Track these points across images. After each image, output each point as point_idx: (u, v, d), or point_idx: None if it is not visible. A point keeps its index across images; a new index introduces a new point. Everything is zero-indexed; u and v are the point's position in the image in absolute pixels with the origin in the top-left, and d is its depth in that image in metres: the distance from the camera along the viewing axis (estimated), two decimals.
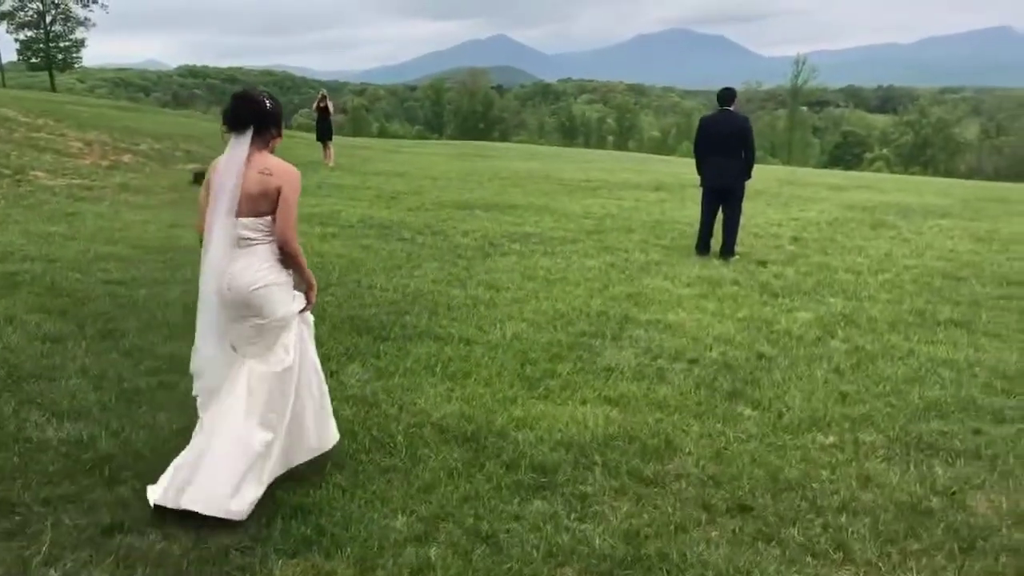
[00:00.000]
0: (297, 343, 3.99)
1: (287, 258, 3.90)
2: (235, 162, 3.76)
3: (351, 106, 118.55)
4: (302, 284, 4.06)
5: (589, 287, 8.28)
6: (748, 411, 5.18)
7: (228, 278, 3.80)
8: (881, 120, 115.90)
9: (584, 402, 5.23)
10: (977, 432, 4.90)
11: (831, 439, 4.78)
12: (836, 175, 27.08)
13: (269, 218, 3.83)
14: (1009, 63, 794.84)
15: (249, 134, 3.78)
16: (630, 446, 4.58)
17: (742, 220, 10.43)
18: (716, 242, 10.22)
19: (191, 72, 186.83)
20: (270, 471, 3.84)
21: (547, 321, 6.99)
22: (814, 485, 4.20)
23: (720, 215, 10.13)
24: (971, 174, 70.51)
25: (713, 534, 3.74)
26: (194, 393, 4.00)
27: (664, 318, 7.20)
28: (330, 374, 5.53)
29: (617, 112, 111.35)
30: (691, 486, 4.17)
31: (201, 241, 3.89)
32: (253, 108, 3.80)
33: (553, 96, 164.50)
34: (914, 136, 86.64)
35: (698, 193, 10.61)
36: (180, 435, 4.52)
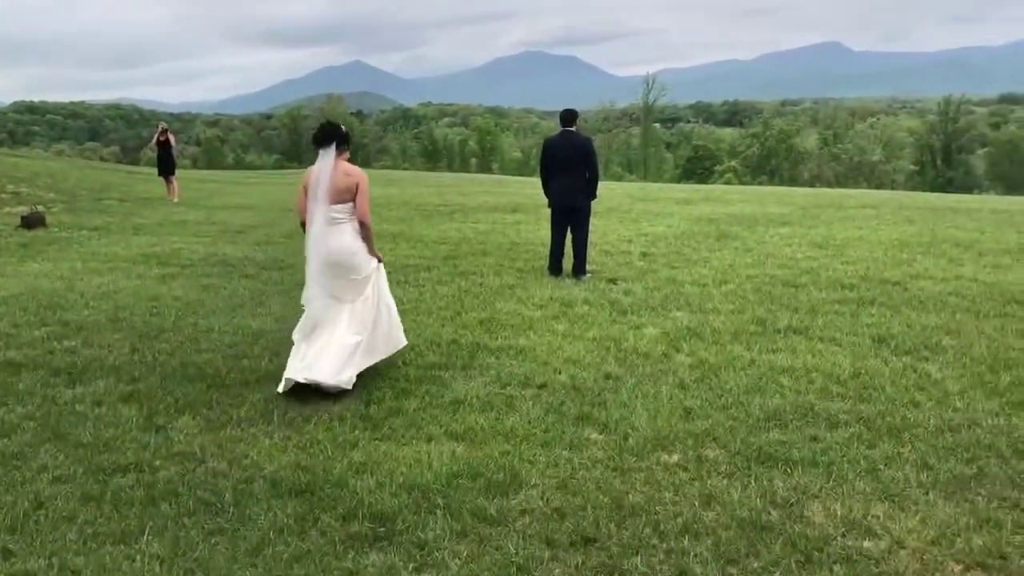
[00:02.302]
0: (374, 287, 6.13)
1: (363, 229, 6.01)
2: (326, 167, 5.84)
3: (204, 137, 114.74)
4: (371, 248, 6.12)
5: (441, 316, 8.14)
6: (595, 435, 5.13)
7: (330, 247, 5.88)
8: (729, 133, 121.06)
9: (429, 439, 5.06)
10: (814, 439, 5.01)
11: (675, 458, 4.78)
12: (685, 189, 28.03)
13: (350, 204, 5.93)
14: (841, 76, 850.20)
15: (332, 148, 5.88)
16: (474, 483, 4.44)
17: (592, 238, 10.51)
18: (569, 262, 10.27)
19: (28, 108, 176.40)
20: (359, 361, 5.92)
21: (395, 354, 6.78)
22: (658, 508, 4.17)
23: (570, 235, 10.20)
24: (813, 181, 74.50)
25: (556, 572, 3.63)
26: (296, 332, 6.08)
27: (515, 343, 7.14)
28: (156, 430, 5.19)
29: (478, 135, 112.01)
30: (535, 521, 4.05)
31: (302, 225, 6.03)
32: (334, 131, 5.94)
33: (414, 120, 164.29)
34: (759, 148, 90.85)
35: None
36: None
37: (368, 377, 6.22)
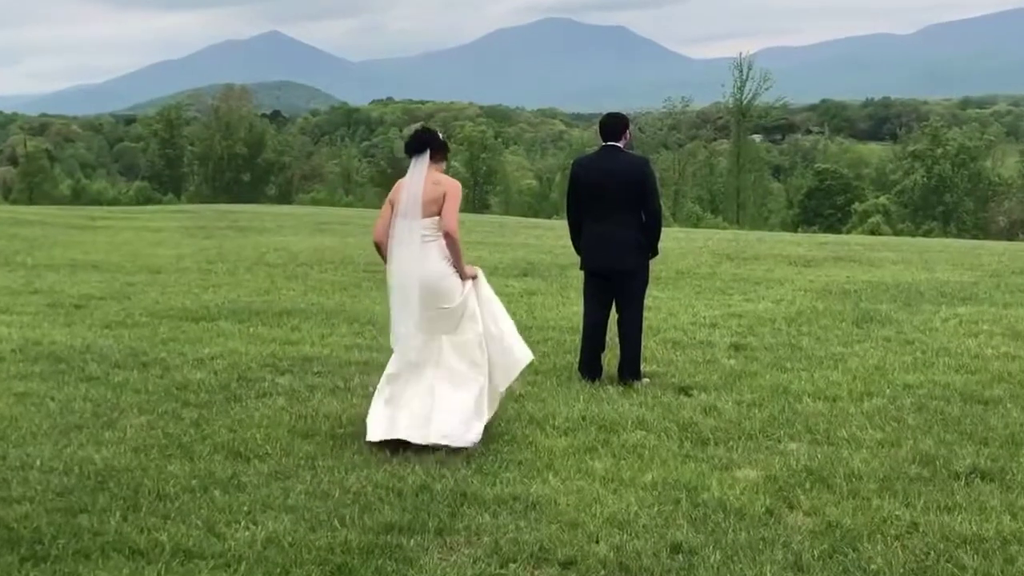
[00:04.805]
0: (476, 312, 8.33)
1: (449, 243, 8.23)
2: (418, 178, 8.15)
3: (23, 152, 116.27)
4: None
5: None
6: None
7: (424, 271, 8.11)
8: (875, 151, 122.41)
9: None
10: None
11: None
12: (803, 241, 28.25)
13: (438, 218, 8.18)
14: None
15: (426, 156, 8.21)
16: None
17: (651, 319, 10.58)
18: (614, 358, 10.36)
19: None
20: (487, 408, 8.25)
21: (329, 511, 6.85)
22: None
23: (615, 314, 10.28)
24: (1013, 230, 74.84)
25: None
26: (391, 369, 8.36)
27: (525, 491, 7.17)
28: None
29: (468, 150, 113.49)
30: None
31: (377, 247, 8.57)
32: (430, 138, 8.38)
33: (364, 127, 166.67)
34: (925, 175, 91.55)
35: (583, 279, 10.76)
36: None
37: (284, 545, 6.25)
